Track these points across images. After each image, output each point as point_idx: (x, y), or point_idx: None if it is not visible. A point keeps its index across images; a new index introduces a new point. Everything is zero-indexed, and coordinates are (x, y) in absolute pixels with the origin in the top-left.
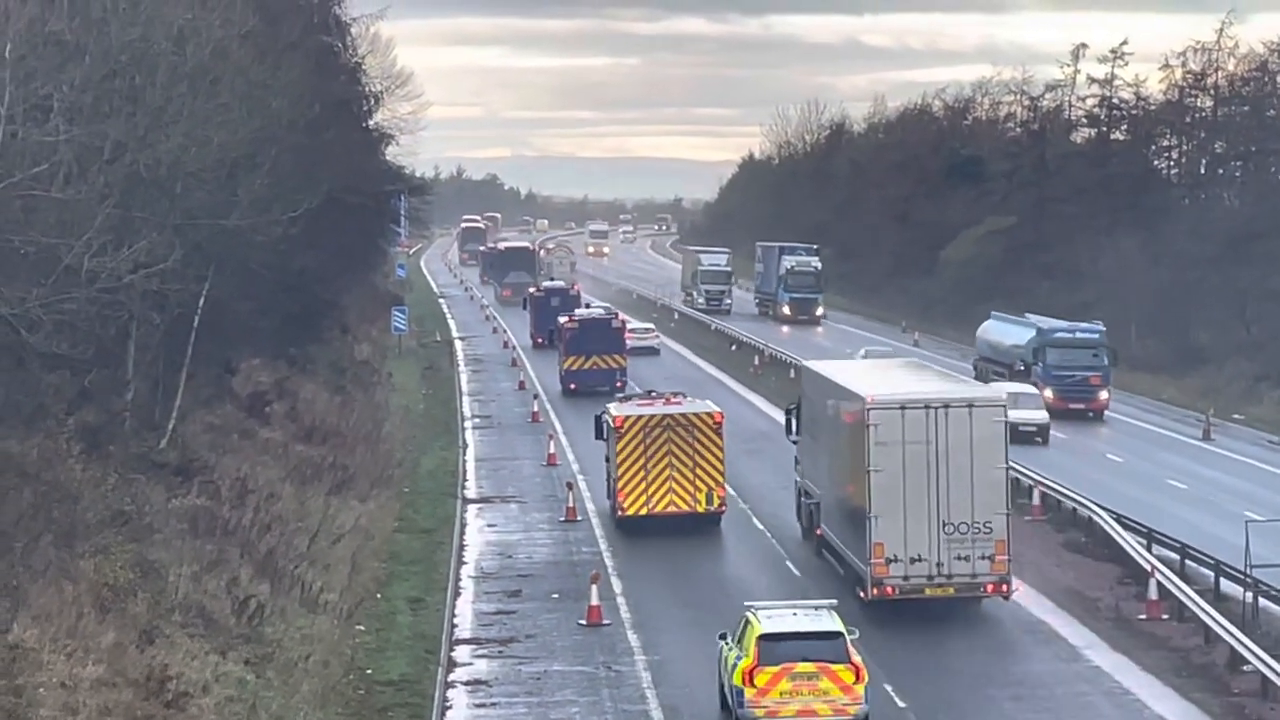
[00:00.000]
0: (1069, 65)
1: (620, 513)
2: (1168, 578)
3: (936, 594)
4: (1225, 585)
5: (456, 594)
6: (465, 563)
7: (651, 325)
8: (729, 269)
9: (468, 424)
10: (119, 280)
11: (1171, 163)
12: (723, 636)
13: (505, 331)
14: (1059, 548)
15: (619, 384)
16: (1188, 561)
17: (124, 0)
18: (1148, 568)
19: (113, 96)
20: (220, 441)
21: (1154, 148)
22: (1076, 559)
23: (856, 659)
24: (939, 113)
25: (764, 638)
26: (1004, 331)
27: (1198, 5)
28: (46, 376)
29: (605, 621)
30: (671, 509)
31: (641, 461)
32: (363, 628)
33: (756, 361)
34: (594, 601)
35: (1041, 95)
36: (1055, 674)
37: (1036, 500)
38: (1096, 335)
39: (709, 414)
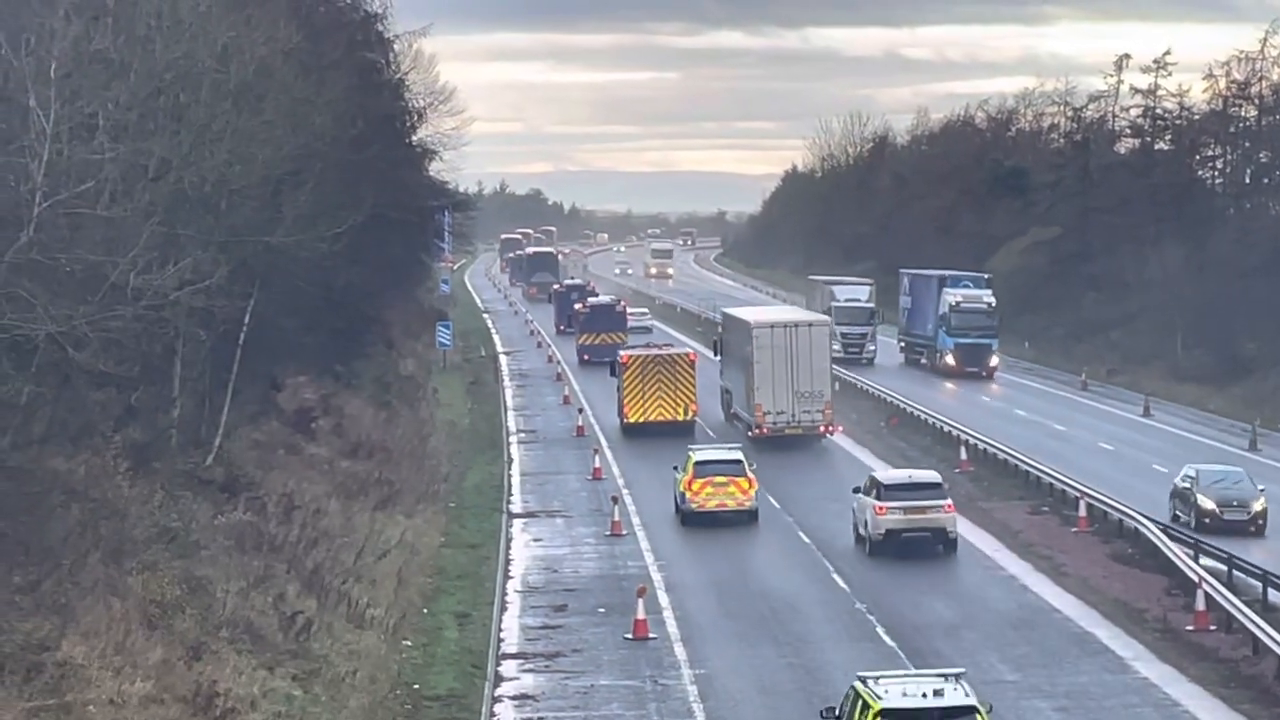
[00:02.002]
0: (1112, 76)
1: (625, 421)
2: (1215, 588)
3: (791, 432)
4: (1273, 596)
5: (503, 608)
6: (511, 577)
7: (646, 310)
8: (871, 304)
9: (513, 438)
10: (165, 297)
11: (1216, 172)
12: (675, 468)
13: (550, 346)
14: (1106, 559)
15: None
16: (1235, 572)
17: (168, 18)
18: (1195, 578)
19: (157, 114)
20: (266, 458)
21: (1198, 157)
22: (1123, 570)
23: (751, 475)
24: (982, 124)
25: (697, 463)
26: None
27: (1236, 16)
28: (93, 394)
29: (651, 636)
30: (659, 418)
31: (640, 386)
32: (409, 643)
33: None
34: (640, 615)
35: (1085, 106)
36: (1103, 686)
37: (1083, 511)
38: None
39: (685, 355)
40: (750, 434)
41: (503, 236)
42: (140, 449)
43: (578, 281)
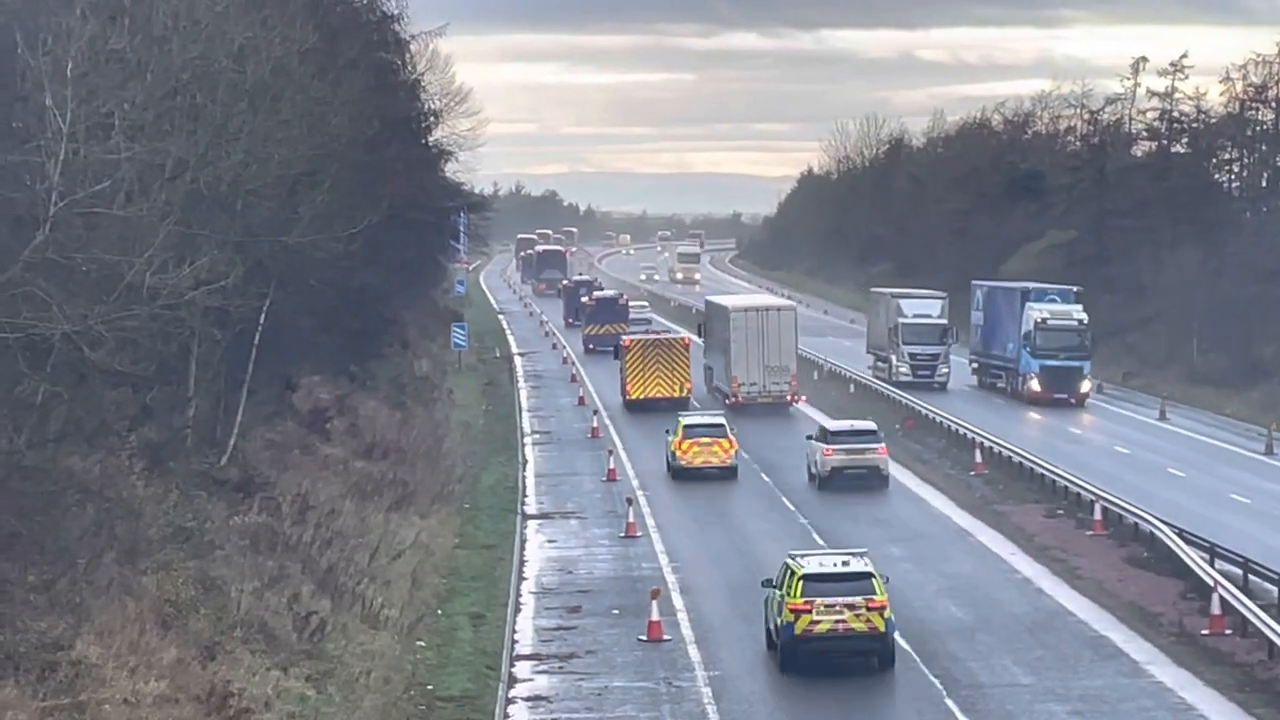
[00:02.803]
0: (1129, 78)
1: (627, 397)
2: (1231, 592)
3: (763, 401)
4: None
5: (517, 609)
6: (526, 578)
7: (646, 303)
8: (944, 321)
9: (527, 439)
10: (180, 297)
11: (1233, 176)
12: (667, 431)
13: (565, 347)
14: (1121, 562)
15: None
16: (1251, 576)
17: (185, 18)
18: (1210, 582)
19: (174, 114)
20: (281, 458)
21: (1215, 161)
22: (1139, 574)
23: (732, 438)
24: (998, 127)
25: (686, 426)
26: None
27: (1251, 19)
28: (108, 393)
29: (666, 637)
30: (657, 394)
31: (640, 366)
32: (424, 643)
33: (815, 376)
34: (654, 617)
35: (1101, 109)
36: (1118, 689)
37: (1098, 515)
38: None
39: (680, 339)
40: (726, 402)
41: (519, 236)
42: (155, 449)
43: (585, 277)
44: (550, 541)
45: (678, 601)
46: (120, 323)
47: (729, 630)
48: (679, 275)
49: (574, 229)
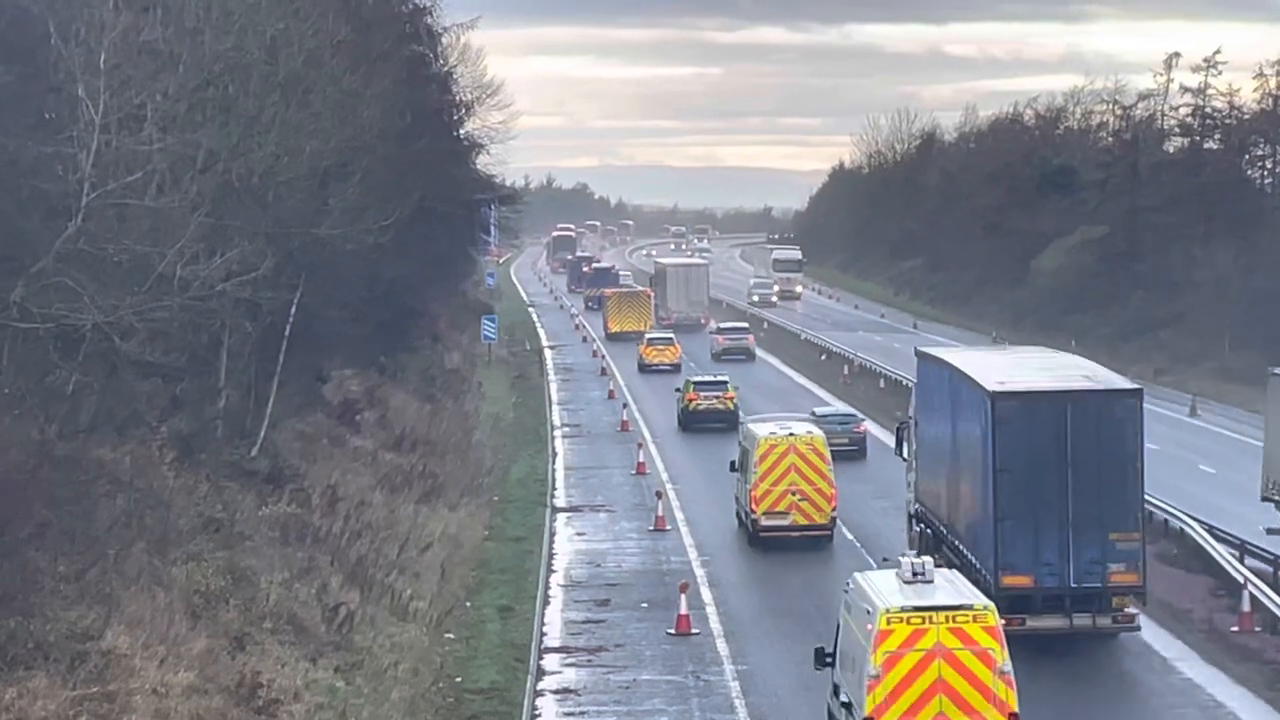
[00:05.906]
0: (1161, 74)
1: (608, 331)
2: (1261, 590)
3: (688, 322)
4: None
5: (546, 602)
6: (554, 571)
7: (629, 273)
8: None
9: (557, 432)
10: (211, 288)
11: (1265, 172)
12: (637, 343)
13: (595, 341)
14: (1151, 559)
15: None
16: None
17: (218, 10)
18: (1240, 580)
19: (206, 105)
20: (311, 449)
21: (1248, 157)
22: (1168, 571)
23: (678, 345)
24: (1030, 122)
25: (648, 339)
26: None
27: (1277, 16)
28: (139, 384)
29: (694, 631)
30: (629, 328)
31: (618, 309)
32: (452, 635)
33: (845, 371)
34: (683, 611)
35: (1134, 105)
36: (1146, 686)
37: None
38: None
39: (644, 291)
40: (664, 324)
41: (556, 226)
42: (186, 439)
43: (587, 254)
44: (579, 534)
45: (706, 595)
46: (151, 313)
47: (758, 624)
48: (775, 286)
49: (630, 221)
